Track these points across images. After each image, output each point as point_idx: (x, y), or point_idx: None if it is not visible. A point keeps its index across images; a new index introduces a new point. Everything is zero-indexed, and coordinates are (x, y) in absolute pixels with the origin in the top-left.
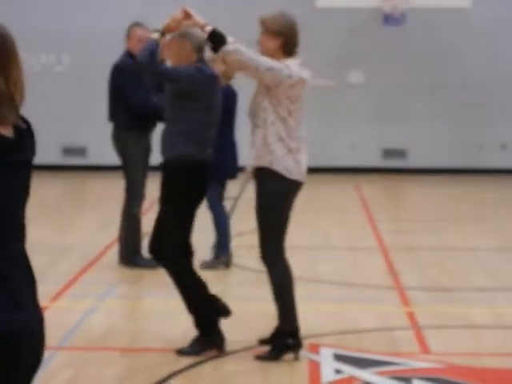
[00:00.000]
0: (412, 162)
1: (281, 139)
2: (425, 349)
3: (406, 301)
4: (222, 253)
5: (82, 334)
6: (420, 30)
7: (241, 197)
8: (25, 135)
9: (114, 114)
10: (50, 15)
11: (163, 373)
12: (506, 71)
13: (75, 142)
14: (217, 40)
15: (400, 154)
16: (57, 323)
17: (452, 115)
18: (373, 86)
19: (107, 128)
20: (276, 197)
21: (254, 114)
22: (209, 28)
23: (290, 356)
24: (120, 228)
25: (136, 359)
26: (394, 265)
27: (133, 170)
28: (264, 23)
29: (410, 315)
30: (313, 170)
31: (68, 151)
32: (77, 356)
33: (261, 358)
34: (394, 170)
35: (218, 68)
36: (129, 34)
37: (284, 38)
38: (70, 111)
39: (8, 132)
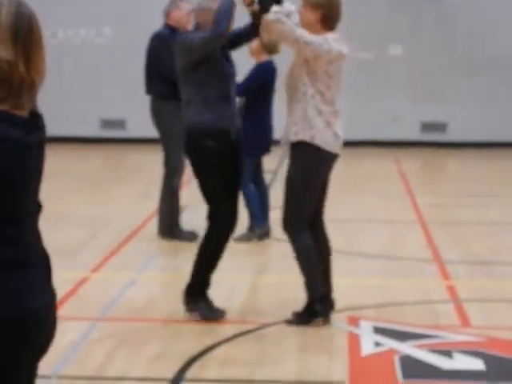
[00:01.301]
0: (451, 135)
1: (320, 113)
2: (465, 322)
3: (445, 274)
4: (256, 225)
5: (123, 305)
6: (461, 5)
7: (279, 171)
8: (38, 115)
9: (151, 85)
10: None
11: (206, 342)
12: None
13: (114, 114)
14: (265, 5)
15: (439, 127)
16: (97, 294)
17: (492, 91)
18: (412, 59)
19: (146, 101)
20: (314, 170)
21: (292, 88)
22: None
23: (328, 328)
24: (160, 200)
25: (177, 330)
26: (433, 238)
27: (171, 142)
28: None
29: (450, 289)
30: (352, 143)
31: (107, 124)
32: (118, 326)
33: (290, 322)
34: (434, 143)
35: (259, 40)
36: (176, 6)
37: (323, 10)
38: (108, 84)
39: (24, 114)
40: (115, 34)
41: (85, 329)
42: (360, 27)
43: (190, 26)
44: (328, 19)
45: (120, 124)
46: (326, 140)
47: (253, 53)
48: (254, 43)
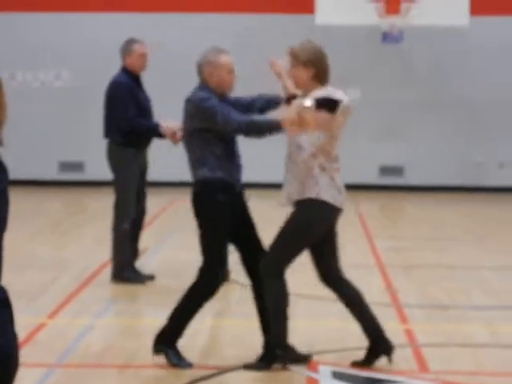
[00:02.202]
0: (409, 179)
1: (324, 169)
2: (423, 367)
3: (403, 318)
4: None
5: (80, 351)
6: (418, 48)
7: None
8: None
9: (109, 130)
10: (47, 32)
11: None
12: (504, 90)
13: (73, 157)
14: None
15: (397, 171)
16: (54, 340)
17: (449, 133)
18: (370, 103)
19: (104, 143)
20: (313, 223)
21: (295, 146)
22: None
23: (287, 373)
24: (112, 245)
25: (134, 376)
26: (391, 282)
27: (126, 186)
28: (294, 55)
29: (408, 333)
30: None
31: (66, 166)
32: (75, 373)
33: (248, 367)
34: (392, 187)
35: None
36: (127, 51)
37: (315, 66)
38: (67, 127)
39: None
40: (73, 78)
41: (40, 376)
42: None
43: (144, 67)
44: (321, 74)
45: (78, 166)
46: (332, 195)
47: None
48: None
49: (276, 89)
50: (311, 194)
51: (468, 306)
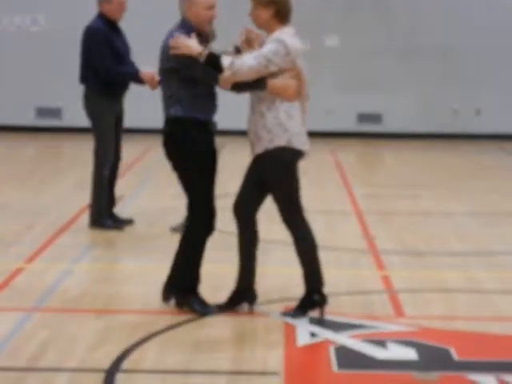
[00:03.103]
0: (387, 126)
1: (291, 117)
2: (399, 312)
3: (380, 265)
4: None
5: (58, 296)
6: None
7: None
8: None
9: (85, 78)
10: None
11: (139, 335)
12: (482, 35)
13: (50, 103)
14: (214, 66)
15: (375, 118)
16: (32, 285)
17: (426, 80)
18: (348, 50)
19: (82, 89)
20: (292, 170)
21: (258, 97)
22: (205, 53)
23: (265, 319)
24: (91, 191)
25: (112, 321)
26: (368, 229)
27: (103, 133)
28: None
29: (385, 279)
30: None
31: (43, 112)
32: (53, 317)
33: (288, 314)
34: (369, 134)
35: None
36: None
37: (276, 5)
38: (44, 72)
39: None
40: (50, 22)
41: (18, 320)
42: (294, 18)
43: (122, 15)
44: (281, 13)
45: (56, 113)
46: (302, 141)
47: None
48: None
49: None
50: (281, 141)
51: (444, 253)
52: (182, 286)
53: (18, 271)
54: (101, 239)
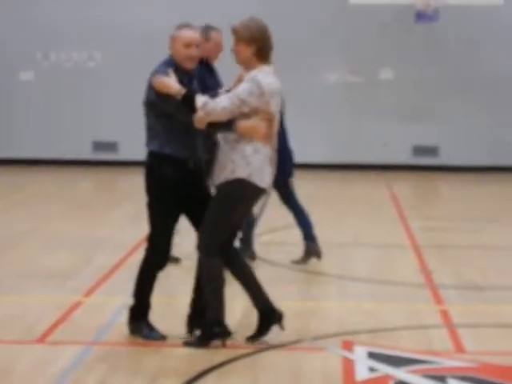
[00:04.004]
0: (443, 159)
1: (257, 151)
2: (459, 347)
3: (438, 299)
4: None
5: (116, 329)
6: (451, 28)
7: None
8: None
9: None
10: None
11: (198, 368)
12: None
13: (106, 137)
14: (189, 105)
15: (431, 151)
16: (90, 319)
17: (483, 113)
18: (403, 83)
19: (137, 123)
20: (242, 203)
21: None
22: (181, 93)
23: (323, 353)
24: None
25: (170, 354)
26: (426, 263)
27: None
28: (236, 32)
29: (444, 313)
30: (343, 167)
31: (99, 146)
32: (111, 351)
33: (188, 344)
34: (425, 167)
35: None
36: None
37: (258, 44)
38: (100, 107)
39: None
40: (106, 59)
41: (77, 353)
42: (350, 52)
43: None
44: (262, 52)
45: (112, 146)
46: (262, 178)
47: None
48: None
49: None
50: (243, 173)
51: (503, 287)
52: (136, 312)
53: (77, 305)
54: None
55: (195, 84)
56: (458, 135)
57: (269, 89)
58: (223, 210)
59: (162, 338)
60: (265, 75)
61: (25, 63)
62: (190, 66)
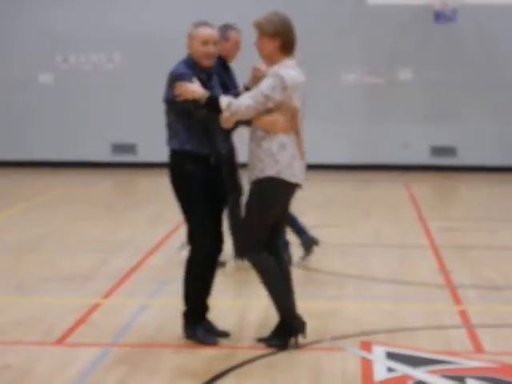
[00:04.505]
0: (461, 159)
1: (284, 147)
2: (478, 348)
3: (457, 299)
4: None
5: (135, 331)
6: (470, 28)
7: None
8: None
9: None
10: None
11: (216, 369)
12: None
13: (125, 139)
14: (213, 108)
15: (449, 151)
16: (109, 320)
17: (502, 113)
18: (421, 83)
19: (156, 125)
20: (275, 200)
21: (256, 128)
22: (205, 97)
23: (341, 353)
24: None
25: (189, 356)
26: (445, 263)
27: None
28: (260, 26)
29: (463, 314)
30: (362, 167)
31: (118, 148)
32: (130, 352)
33: (272, 345)
34: (444, 167)
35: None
36: (220, 38)
37: (282, 38)
38: (119, 109)
39: None
40: (125, 60)
41: (96, 355)
42: (369, 52)
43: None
44: (286, 46)
45: (131, 148)
46: (292, 173)
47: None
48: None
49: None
50: (271, 172)
51: None
52: (185, 315)
53: (96, 307)
54: (176, 274)
55: (215, 80)
56: (476, 136)
57: (291, 83)
58: (257, 209)
59: (215, 342)
60: (288, 69)
61: (44, 66)
62: (208, 63)
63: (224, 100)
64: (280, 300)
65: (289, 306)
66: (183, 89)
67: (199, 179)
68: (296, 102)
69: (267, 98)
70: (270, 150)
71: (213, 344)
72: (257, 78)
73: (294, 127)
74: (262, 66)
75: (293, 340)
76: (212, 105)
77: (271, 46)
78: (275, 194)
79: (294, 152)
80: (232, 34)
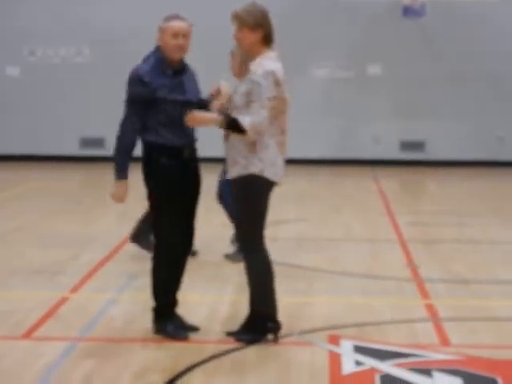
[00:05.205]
0: (430, 154)
1: (267, 146)
2: (444, 341)
3: (425, 293)
4: None
5: (103, 325)
6: (441, 22)
7: None
8: None
9: None
10: (68, 8)
11: (185, 364)
12: None
13: (94, 133)
14: (236, 129)
15: (419, 146)
16: (77, 314)
17: (471, 108)
18: (391, 78)
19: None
20: (263, 199)
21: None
22: (224, 121)
23: (309, 347)
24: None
25: (158, 351)
26: (413, 257)
27: None
28: (239, 18)
29: (430, 307)
30: (332, 162)
31: (86, 142)
32: (98, 347)
33: (240, 340)
34: (413, 162)
35: (235, 62)
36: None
37: (263, 29)
38: (88, 103)
39: None
40: (94, 54)
41: (63, 349)
42: (339, 47)
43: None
44: (268, 37)
45: (99, 142)
46: (275, 172)
47: (238, 75)
48: (235, 65)
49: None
50: (255, 169)
51: (490, 280)
52: (154, 310)
53: (64, 300)
54: (145, 268)
55: (190, 78)
56: (446, 131)
57: (280, 75)
58: (248, 206)
59: (186, 337)
60: (272, 62)
61: (10, 58)
62: (179, 55)
63: (245, 120)
64: (265, 302)
65: (273, 309)
66: (192, 119)
67: (171, 174)
68: (286, 93)
69: (270, 99)
70: (254, 148)
71: (183, 339)
72: (218, 94)
73: (280, 125)
74: (226, 87)
75: (263, 337)
76: (234, 127)
77: (252, 37)
78: (260, 191)
79: (276, 150)
80: None
